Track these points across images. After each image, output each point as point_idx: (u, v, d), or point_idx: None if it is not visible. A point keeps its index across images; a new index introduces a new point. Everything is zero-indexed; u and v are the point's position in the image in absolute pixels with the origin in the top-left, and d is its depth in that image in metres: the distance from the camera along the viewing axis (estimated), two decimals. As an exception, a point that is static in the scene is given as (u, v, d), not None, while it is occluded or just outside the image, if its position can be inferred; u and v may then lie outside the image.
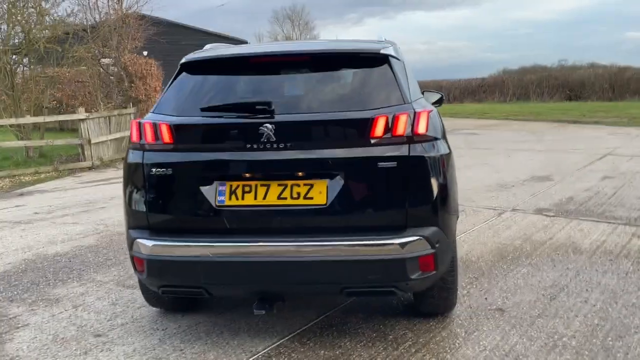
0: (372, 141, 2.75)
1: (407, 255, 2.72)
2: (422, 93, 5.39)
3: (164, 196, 2.90)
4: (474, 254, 4.60)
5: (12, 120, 10.75)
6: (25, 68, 12.59)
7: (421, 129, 2.79)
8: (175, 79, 3.16)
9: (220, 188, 2.83)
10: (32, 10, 11.15)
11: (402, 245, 2.71)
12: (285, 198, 2.78)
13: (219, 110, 2.85)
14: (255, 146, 2.77)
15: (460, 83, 37.27)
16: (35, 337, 3.37)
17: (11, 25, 11.92)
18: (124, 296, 3.97)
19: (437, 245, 2.81)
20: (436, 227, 2.83)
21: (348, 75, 3.04)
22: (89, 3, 13.58)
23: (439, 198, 2.85)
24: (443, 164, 2.91)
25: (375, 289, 2.82)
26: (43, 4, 11.67)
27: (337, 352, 3.02)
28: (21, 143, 11.37)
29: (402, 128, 2.75)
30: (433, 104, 5.45)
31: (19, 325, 3.57)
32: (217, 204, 2.81)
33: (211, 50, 3.42)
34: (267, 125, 2.74)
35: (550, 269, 4.19)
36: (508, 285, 3.90)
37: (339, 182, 2.76)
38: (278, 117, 2.78)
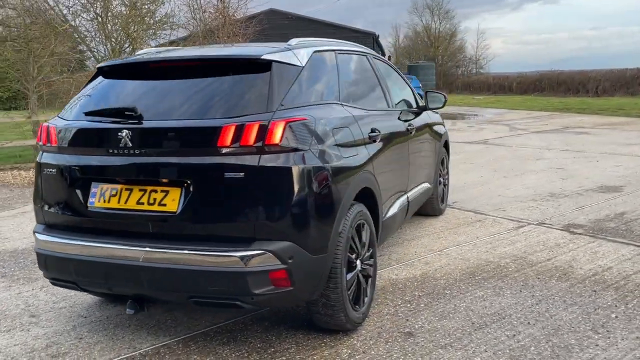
0: (222, 150, 2.69)
1: (249, 269, 2.64)
2: (426, 94, 5.09)
3: (52, 194, 3.11)
4: (444, 271, 4.24)
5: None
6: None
7: (275, 139, 2.67)
8: (87, 83, 3.35)
9: (93, 190, 2.96)
10: (135, 12, 12.28)
11: (243, 258, 2.64)
12: (143, 203, 2.83)
13: (95, 115, 2.98)
14: (115, 151, 2.85)
15: (613, 74, 33.72)
16: (-12, 312, 3.81)
17: (130, 23, 13.18)
18: (86, 282, 4.29)
19: (289, 261, 2.69)
20: (290, 241, 2.70)
21: (224, 81, 2.96)
22: (194, 3, 14.53)
23: (297, 212, 2.71)
24: (311, 177, 2.76)
25: (220, 300, 2.77)
26: (152, 6, 12.79)
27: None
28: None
29: (251, 138, 2.66)
30: (439, 105, 5.13)
31: (-13, 299, 4.06)
32: (88, 205, 2.95)
33: (133, 56, 3.55)
34: (125, 130, 2.81)
35: (512, 294, 3.74)
36: (445, 308, 3.56)
37: (189, 190, 2.75)
38: (143, 124, 2.83)
